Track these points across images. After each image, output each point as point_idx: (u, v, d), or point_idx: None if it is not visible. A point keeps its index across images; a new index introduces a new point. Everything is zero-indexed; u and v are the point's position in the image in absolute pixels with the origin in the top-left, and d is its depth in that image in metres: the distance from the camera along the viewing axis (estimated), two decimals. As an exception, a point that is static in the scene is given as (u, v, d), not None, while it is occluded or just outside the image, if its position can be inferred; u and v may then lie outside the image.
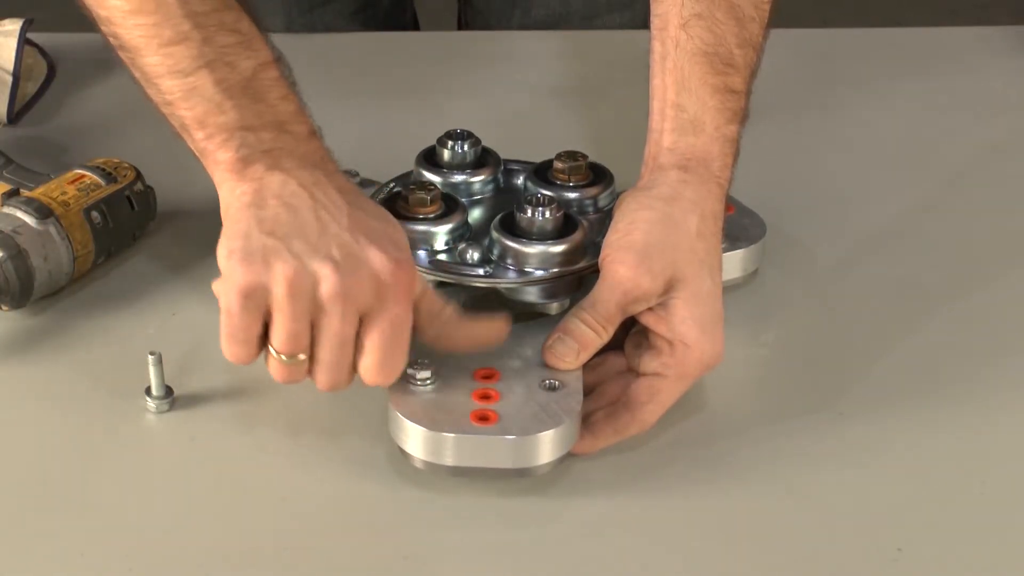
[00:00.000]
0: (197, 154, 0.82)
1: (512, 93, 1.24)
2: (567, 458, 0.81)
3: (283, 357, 0.78)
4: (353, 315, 0.77)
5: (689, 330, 0.82)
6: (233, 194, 0.80)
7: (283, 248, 0.76)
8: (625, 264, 0.82)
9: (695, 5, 0.88)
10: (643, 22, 1.42)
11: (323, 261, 0.76)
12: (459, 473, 0.79)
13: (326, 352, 0.78)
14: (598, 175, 0.95)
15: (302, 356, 0.78)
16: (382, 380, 0.79)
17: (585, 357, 0.83)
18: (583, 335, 0.82)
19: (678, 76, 0.88)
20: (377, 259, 0.77)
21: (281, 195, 0.79)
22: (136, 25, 0.82)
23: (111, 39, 0.83)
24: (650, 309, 0.83)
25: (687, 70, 0.88)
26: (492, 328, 0.83)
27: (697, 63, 0.88)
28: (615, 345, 0.86)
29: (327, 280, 0.76)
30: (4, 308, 0.92)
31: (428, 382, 0.80)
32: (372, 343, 0.77)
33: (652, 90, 0.90)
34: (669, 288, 0.82)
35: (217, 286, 0.78)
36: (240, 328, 0.77)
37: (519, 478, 0.80)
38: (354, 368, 0.79)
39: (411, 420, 0.78)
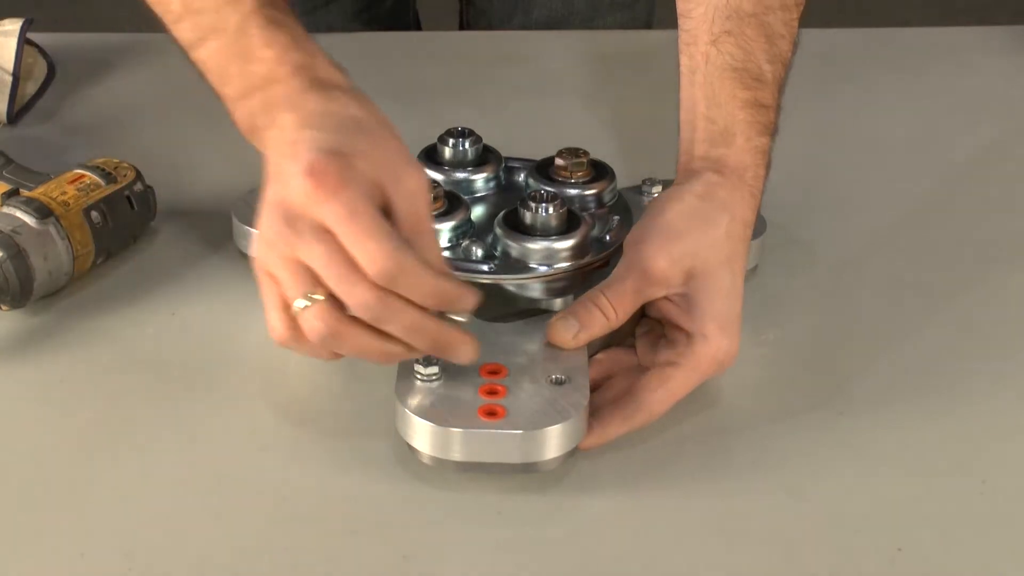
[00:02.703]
0: None
1: (513, 93, 1.24)
2: (573, 455, 0.81)
3: (295, 309, 0.75)
4: (305, 232, 0.74)
5: (709, 323, 0.82)
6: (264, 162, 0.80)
7: (262, 215, 0.77)
8: (646, 245, 0.83)
9: (725, 22, 0.89)
10: (643, 23, 1.43)
11: (270, 212, 0.76)
12: (466, 469, 0.79)
13: (323, 276, 0.74)
14: (600, 172, 0.95)
15: (304, 301, 0.75)
16: (379, 268, 0.73)
17: (585, 338, 0.82)
18: (588, 315, 0.82)
19: (708, 91, 0.88)
20: (294, 173, 0.74)
21: (270, 162, 0.78)
22: (155, 3, 0.85)
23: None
24: (669, 300, 0.83)
25: (717, 85, 0.88)
26: (464, 295, 0.78)
27: (727, 78, 0.88)
28: (623, 341, 0.86)
29: (272, 224, 0.75)
30: (4, 308, 0.92)
31: (435, 378, 0.80)
32: (347, 233, 0.74)
33: (681, 103, 0.90)
34: (689, 279, 0.82)
35: None
36: (265, 296, 0.77)
37: (526, 474, 0.80)
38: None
39: (418, 416, 0.78)
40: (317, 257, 0.74)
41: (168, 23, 0.84)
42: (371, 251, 0.73)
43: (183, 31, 0.84)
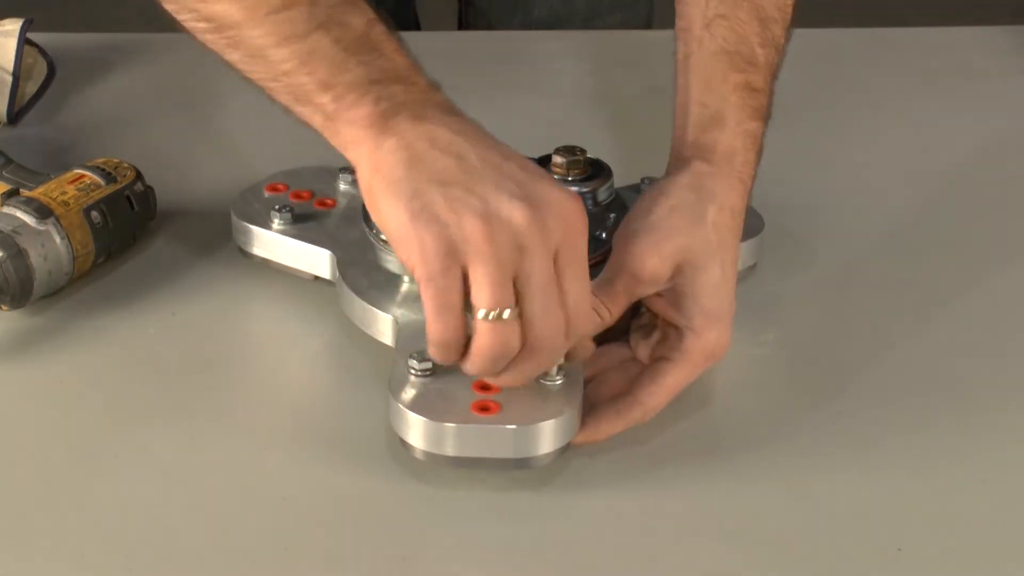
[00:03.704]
0: (318, 123, 0.78)
1: (513, 93, 1.24)
2: (567, 453, 0.81)
3: (491, 316, 0.73)
4: (551, 251, 0.74)
5: (697, 317, 0.82)
6: (381, 150, 0.75)
7: (467, 195, 0.73)
8: (635, 244, 0.83)
9: (719, 6, 0.89)
10: (644, 22, 1.43)
11: (511, 199, 0.73)
12: (460, 464, 0.79)
13: (537, 300, 0.73)
14: (596, 170, 0.95)
15: (508, 313, 0.73)
16: (593, 318, 0.77)
17: None
18: None
19: (700, 74, 0.88)
20: (555, 187, 0.75)
21: (439, 145, 0.75)
22: None
23: (202, 24, 0.79)
24: (659, 295, 0.83)
25: (709, 68, 0.88)
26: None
27: (719, 61, 0.88)
28: (618, 336, 0.86)
29: (522, 214, 0.73)
30: (4, 308, 0.92)
31: (428, 372, 0.80)
32: (574, 277, 0.74)
33: (676, 89, 0.90)
34: (678, 273, 0.82)
35: (409, 254, 0.73)
36: (445, 293, 0.73)
37: (520, 469, 0.80)
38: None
39: (412, 411, 0.78)
40: (545, 268, 0.74)
41: (258, 15, 0.77)
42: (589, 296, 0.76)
43: (283, 22, 0.77)
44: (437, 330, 0.74)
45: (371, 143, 0.76)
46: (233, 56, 0.79)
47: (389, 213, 0.74)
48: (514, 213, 0.73)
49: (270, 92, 0.79)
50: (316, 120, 0.78)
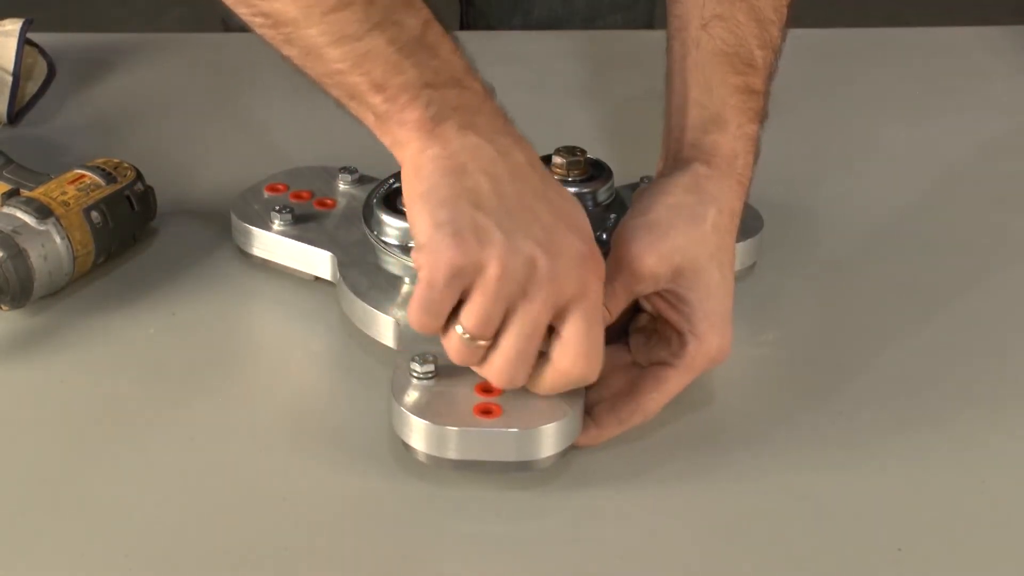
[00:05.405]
0: (369, 121, 0.78)
1: (513, 93, 1.23)
2: (569, 452, 0.81)
3: (467, 337, 0.76)
4: (553, 303, 0.76)
5: (701, 322, 0.82)
6: (424, 155, 0.76)
7: (494, 227, 0.75)
8: (633, 242, 0.83)
9: (716, 7, 0.88)
10: (644, 23, 1.43)
11: (534, 244, 0.75)
12: (462, 467, 0.79)
13: (514, 340, 0.76)
14: (597, 170, 0.95)
15: (484, 342, 0.77)
16: (590, 372, 0.78)
17: None
18: None
19: (699, 75, 0.88)
20: (578, 244, 0.76)
21: (480, 162, 0.76)
22: None
23: (259, 19, 0.79)
24: (661, 296, 0.83)
25: (708, 69, 0.88)
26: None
27: (718, 63, 0.88)
28: (617, 337, 0.86)
29: (540, 264, 0.75)
30: (4, 308, 0.92)
31: (431, 376, 0.80)
32: (575, 332, 0.76)
33: (670, 89, 0.90)
34: (677, 276, 0.82)
35: (421, 257, 0.76)
36: (438, 303, 0.76)
37: (522, 471, 0.80)
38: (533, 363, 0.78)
39: (414, 414, 0.79)
40: (536, 318, 0.76)
41: (314, 14, 0.76)
42: (597, 354, 0.77)
43: (339, 22, 0.76)
44: (415, 321, 0.77)
45: (417, 146, 0.77)
46: (289, 51, 0.79)
47: (417, 216, 0.76)
48: (531, 261, 0.75)
49: (324, 87, 0.79)
50: (368, 118, 0.79)
